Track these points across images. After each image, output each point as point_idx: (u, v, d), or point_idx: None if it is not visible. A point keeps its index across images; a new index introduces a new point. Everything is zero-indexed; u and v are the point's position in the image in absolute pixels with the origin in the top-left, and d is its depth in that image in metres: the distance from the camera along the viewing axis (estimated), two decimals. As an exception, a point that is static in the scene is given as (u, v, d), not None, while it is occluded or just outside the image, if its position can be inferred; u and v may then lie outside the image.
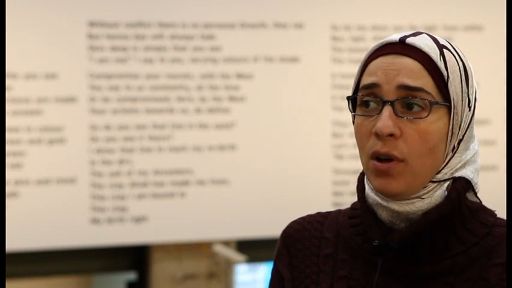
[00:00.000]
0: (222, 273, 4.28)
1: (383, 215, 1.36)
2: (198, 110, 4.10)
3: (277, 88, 4.19)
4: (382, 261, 1.35)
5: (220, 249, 4.17)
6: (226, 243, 4.26)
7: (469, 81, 1.37)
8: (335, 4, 4.28)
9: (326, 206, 4.15)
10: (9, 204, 3.87)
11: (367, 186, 1.40)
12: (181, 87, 4.08)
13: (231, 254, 4.14)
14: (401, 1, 4.38)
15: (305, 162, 4.22)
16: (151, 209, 4.04)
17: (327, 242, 1.44)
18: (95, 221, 3.98)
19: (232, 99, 4.14)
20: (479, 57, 4.34)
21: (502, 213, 1.47)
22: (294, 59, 4.22)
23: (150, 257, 4.21)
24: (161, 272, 4.21)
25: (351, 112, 1.39)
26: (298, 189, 4.20)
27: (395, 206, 1.34)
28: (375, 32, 4.28)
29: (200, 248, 4.25)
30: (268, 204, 4.16)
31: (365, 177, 1.41)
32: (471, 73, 1.38)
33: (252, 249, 4.28)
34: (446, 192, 1.35)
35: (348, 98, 1.40)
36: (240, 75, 4.15)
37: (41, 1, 3.91)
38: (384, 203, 1.35)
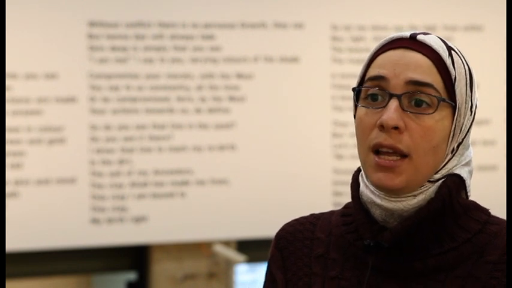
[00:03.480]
0: (222, 273, 4.28)
1: (376, 213, 1.36)
2: (198, 110, 4.10)
3: (277, 88, 4.19)
4: (373, 260, 1.35)
5: (220, 249, 4.17)
6: (226, 243, 4.26)
7: (473, 86, 1.38)
8: (335, 4, 4.28)
9: (326, 206, 4.15)
10: (9, 204, 3.87)
11: (361, 184, 1.39)
12: (181, 87, 4.08)
13: (231, 254, 4.14)
14: (401, 1, 4.38)
15: (305, 162, 4.22)
16: (151, 209, 4.04)
17: (318, 243, 1.44)
18: (95, 221, 3.98)
19: (232, 99, 4.14)
20: (479, 57, 4.34)
21: (502, 213, 1.47)
22: (294, 59, 4.22)
23: (150, 257, 4.21)
24: (161, 272, 4.21)
25: (355, 103, 1.39)
26: (298, 189, 4.20)
27: (389, 204, 1.34)
28: (375, 32, 4.29)
29: (200, 248, 4.25)
30: (268, 204, 4.16)
31: (360, 174, 1.41)
32: (475, 79, 1.39)
33: (252, 249, 4.28)
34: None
35: (354, 89, 1.39)
36: (240, 75, 4.15)
37: (41, 1, 3.91)
38: (378, 201, 1.35)
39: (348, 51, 4.27)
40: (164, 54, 4.06)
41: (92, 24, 3.98)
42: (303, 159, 4.22)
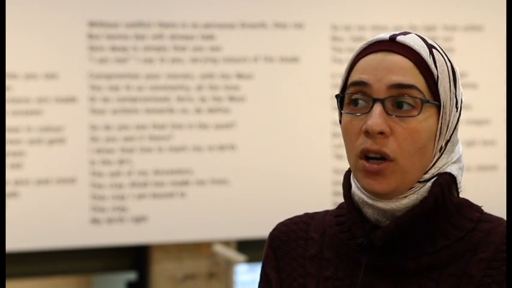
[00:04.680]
0: (222, 273, 4.28)
1: (369, 212, 1.36)
2: (198, 110, 4.10)
3: (277, 88, 4.19)
4: (367, 258, 1.35)
5: (220, 249, 4.17)
6: (226, 243, 4.26)
7: (457, 82, 1.37)
8: (335, 4, 4.28)
9: (326, 206, 4.14)
10: (9, 204, 3.87)
11: (353, 184, 1.40)
12: (181, 87, 4.08)
13: (231, 254, 4.14)
14: (401, 1, 4.38)
15: (305, 162, 4.22)
16: (151, 209, 4.04)
17: (312, 243, 1.44)
18: (95, 221, 3.98)
19: (232, 99, 4.14)
20: (479, 57, 4.34)
21: (502, 213, 1.46)
22: (294, 59, 4.22)
23: (150, 257, 4.21)
24: (161, 272, 4.21)
25: (339, 110, 1.39)
26: (298, 189, 4.20)
27: (382, 204, 1.34)
28: (375, 32, 4.28)
29: (200, 248, 4.25)
30: (268, 204, 4.16)
31: (351, 174, 1.42)
32: (458, 74, 1.38)
33: (252, 249, 4.28)
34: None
35: (337, 96, 1.39)
36: (240, 75, 4.15)
37: (40, 1, 3.91)
38: (370, 202, 1.35)
39: (348, 51, 4.27)
40: (164, 54, 4.06)
41: (92, 24, 3.98)
42: (303, 159, 4.22)
